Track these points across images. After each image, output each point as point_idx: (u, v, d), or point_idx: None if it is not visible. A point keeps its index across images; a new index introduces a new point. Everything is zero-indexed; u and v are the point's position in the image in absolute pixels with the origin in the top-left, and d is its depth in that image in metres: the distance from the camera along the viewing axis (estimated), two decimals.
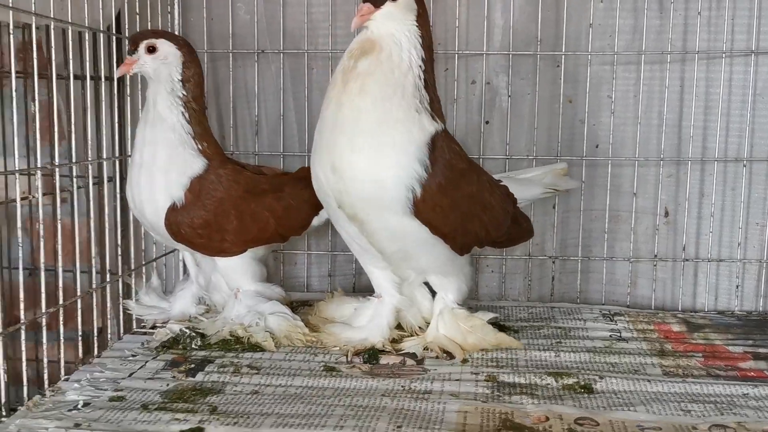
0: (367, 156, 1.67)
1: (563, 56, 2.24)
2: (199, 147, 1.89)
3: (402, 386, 1.64)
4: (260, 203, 1.94)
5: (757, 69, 2.19)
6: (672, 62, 2.21)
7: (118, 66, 1.93)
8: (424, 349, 1.83)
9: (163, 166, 1.85)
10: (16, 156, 1.64)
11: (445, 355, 1.80)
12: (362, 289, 2.37)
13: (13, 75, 1.61)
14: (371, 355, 1.81)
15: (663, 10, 2.22)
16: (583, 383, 1.65)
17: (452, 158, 1.73)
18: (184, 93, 1.86)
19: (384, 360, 1.79)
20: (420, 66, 1.71)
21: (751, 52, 2.17)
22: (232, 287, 1.96)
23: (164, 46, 1.84)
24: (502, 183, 1.95)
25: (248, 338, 1.87)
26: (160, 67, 1.84)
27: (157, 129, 1.86)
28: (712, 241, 2.25)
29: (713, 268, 2.27)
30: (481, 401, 1.55)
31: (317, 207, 2.03)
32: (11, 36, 1.57)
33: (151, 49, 1.83)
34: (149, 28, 2.12)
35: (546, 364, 1.77)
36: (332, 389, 1.62)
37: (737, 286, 2.24)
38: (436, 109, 1.74)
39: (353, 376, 1.70)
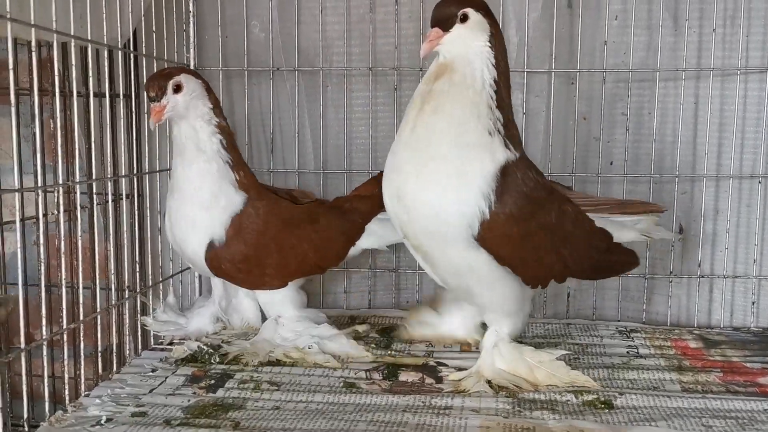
0: (433, 187, 1.61)
1: (578, 73, 2.25)
2: (237, 177, 1.88)
3: (422, 402, 1.64)
4: (299, 235, 1.93)
5: None
6: (686, 79, 2.22)
7: (131, 81, 1.96)
8: (490, 386, 1.70)
9: (205, 204, 1.85)
10: (39, 172, 1.65)
11: (515, 387, 1.70)
12: (377, 306, 2.39)
13: (36, 93, 1.63)
14: (390, 371, 1.81)
15: (677, 28, 2.23)
16: (603, 399, 1.64)
17: (527, 188, 1.64)
18: (218, 120, 1.87)
19: (403, 377, 1.79)
20: (492, 86, 1.63)
21: (765, 69, 2.18)
22: (272, 315, 1.97)
23: (189, 81, 1.82)
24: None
25: (303, 359, 1.86)
26: (191, 102, 1.82)
27: (199, 164, 1.85)
28: (727, 258, 2.25)
29: (729, 284, 2.26)
30: (502, 417, 1.55)
31: (353, 238, 2.03)
32: (33, 53, 1.59)
33: (178, 88, 1.80)
34: (165, 66, 2.07)
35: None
36: (353, 405, 1.62)
37: (753, 303, 2.24)
38: (511, 134, 1.66)
39: (373, 392, 1.70)
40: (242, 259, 1.87)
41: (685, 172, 2.25)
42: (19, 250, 1.62)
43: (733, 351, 1.98)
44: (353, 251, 2.05)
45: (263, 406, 1.61)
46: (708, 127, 2.21)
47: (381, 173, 1.76)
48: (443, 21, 1.63)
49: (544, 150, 2.29)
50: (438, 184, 1.60)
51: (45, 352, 1.62)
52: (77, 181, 1.80)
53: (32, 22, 1.55)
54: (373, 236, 2.05)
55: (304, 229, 1.94)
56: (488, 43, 1.65)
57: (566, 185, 1.98)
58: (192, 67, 2.28)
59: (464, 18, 1.63)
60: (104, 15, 1.82)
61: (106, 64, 1.93)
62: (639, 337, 2.08)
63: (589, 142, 2.30)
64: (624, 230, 1.88)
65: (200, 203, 1.85)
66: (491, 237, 1.61)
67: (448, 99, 1.62)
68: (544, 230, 1.68)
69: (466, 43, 1.64)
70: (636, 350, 1.98)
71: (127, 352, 1.99)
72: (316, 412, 1.57)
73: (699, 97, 2.25)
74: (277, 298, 1.95)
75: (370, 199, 2.04)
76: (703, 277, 2.26)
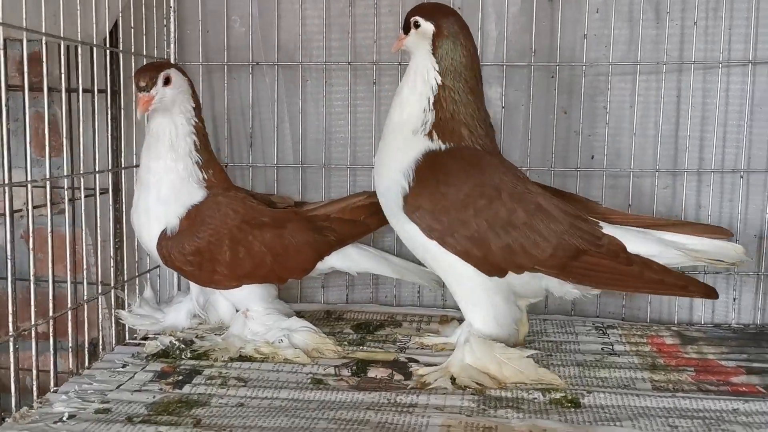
0: (381, 171, 1.83)
1: (557, 67, 2.23)
2: (205, 176, 1.89)
3: (387, 399, 1.63)
4: (257, 237, 1.90)
5: (754, 79, 2.17)
6: (668, 72, 2.20)
7: (112, 78, 1.96)
8: (452, 382, 1.71)
9: (163, 197, 1.86)
10: (29, 167, 1.68)
11: (477, 386, 1.70)
12: (354, 301, 2.39)
13: (26, 89, 1.65)
14: (359, 367, 1.81)
15: (659, 20, 2.21)
16: (570, 397, 1.63)
17: (447, 171, 1.74)
18: (196, 120, 1.87)
19: (372, 373, 1.79)
20: (433, 88, 1.78)
21: (748, 62, 2.16)
22: (240, 309, 1.97)
23: (176, 76, 1.84)
24: (599, 225, 1.78)
25: (274, 354, 1.86)
26: (177, 97, 1.84)
27: (167, 161, 1.85)
28: None
29: (710, 280, 2.23)
30: (465, 415, 1.54)
31: (321, 253, 1.99)
32: (24, 50, 1.62)
33: (167, 81, 1.81)
34: (147, 59, 2.12)
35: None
36: (317, 402, 1.62)
37: (734, 299, 2.22)
38: (444, 129, 1.77)
39: (340, 389, 1.69)
40: (193, 251, 1.85)
41: (667, 167, 2.23)
42: (8, 243, 1.64)
43: (710, 348, 1.97)
44: (321, 266, 2.02)
45: (227, 402, 1.62)
46: (690, 120, 2.19)
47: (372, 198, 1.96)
48: (405, 25, 1.84)
49: (523, 144, 2.27)
50: (382, 169, 1.82)
51: (11, 347, 1.64)
52: (66, 175, 1.82)
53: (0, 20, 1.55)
54: (347, 259, 2.04)
55: (265, 233, 1.90)
56: (430, 48, 1.78)
57: (596, 201, 1.97)
58: (172, 62, 2.28)
59: (417, 24, 1.80)
60: (78, 12, 1.82)
61: (80, 60, 1.92)
62: (615, 334, 2.07)
63: (570, 136, 2.28)
64: (664, 249, 1.79)
65: (158, 196, 1.86)
66: (409, 208, 1.75)
67: (395, 101, 1.84)
68: (467, 209, 1.73)
69: (416, 48, 1.82)
70: (611, 347, 1.96)
71: (102, 347, 1.99)
72: (279, 410, 1.57)
73: (681, 90, 2.23)
74: (244, 292, 1.94)
75: (352, 225, 2.01)
76: (683, 273, 2.23)
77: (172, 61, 2.29)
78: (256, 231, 1.89)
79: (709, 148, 2.21)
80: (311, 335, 1.91)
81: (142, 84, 1.79)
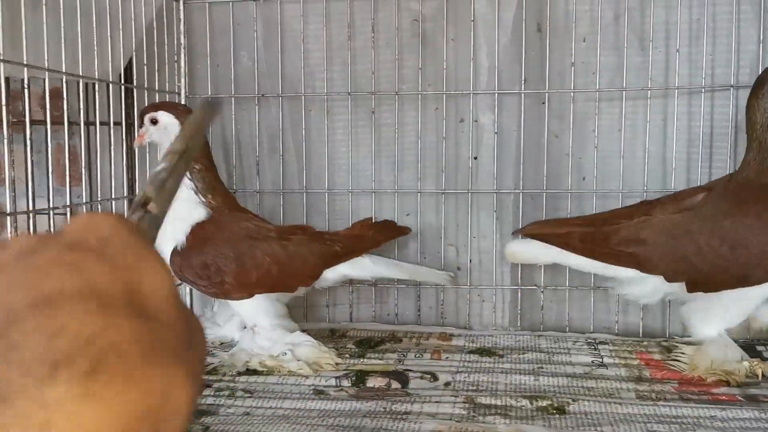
0: None
1: (547, 94, 2.34)
2: (203, 200, 2.03)
3: (384, 408, 1.73)
4: (261, 249, 2.02)
5: (737, 103, 2.27)
6: (653, 97, 2.30)
7: (128, 112, 2.12)
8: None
9: (169, 217, 1.98)
10: (50, 195, 1.81)
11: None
12: (358, 319, 2.49)
13: (48, 123, 1.79)
14: (358, 377, 1.92)
15: (644, 48, 2.32)
16: (556, 405, 1.73)
17: None
18: None
19: (370, 382, 1.90)
20: None
21: (730, 87, 2.26)
22: (248, 324, 2.09)
23: (163, 116, 2.01)
24: None
25: (279, 367, 1.97)
26: (162, 136, 2.01)
27: None
28: None
29: None
30: (455, 421, 1.64)
31: (328, 261, 2.10)
32: (47, 87, 1.78)
33: (154, 121, 2.02)
34: (157, 99, 2.29)
35: (524, 388, 1.85)
36: (318, 411, 1.72)
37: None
38: None
39: (339, 398, 1.80)
40: (201, 265, 1.98)
41: (654, 188, 2.32)
42: None
43: None
44: (332, 275, 2.13)
45: (234, 412, 1.73)
46: (675, 143, 2.29)
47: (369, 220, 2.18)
48: None
49: (515, 167, 2.38)
50: None
51: None
52: (85, 202, 1.99)
53: (25, 62, 1.69)
54: (359, 267, 2.15)
55: (269, 244, 2.02)
56: None
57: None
58: (183, 96, 2.42)
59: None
60: (95, 53, 1.97)
61: (94, 96, 2.06)
62: (606, 349, 2.14)
63: (561, 159, 2.38)
64: None
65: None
66: None
67: None
68: None
69: None
70: (600, 360, 2.05)
71: None
72: (282, 418, 1.68)
73: (667, 114, 2.32)
74: (251, 309, 2.06)
75: (359, 239, 2.15)
76: None
77: (182, 94, 2.43)
78: (259, 243, 2.02)
79: (695, 169, 2.31)
80: (313, 349, 2.02)
81: (138, 122, 2.06)
